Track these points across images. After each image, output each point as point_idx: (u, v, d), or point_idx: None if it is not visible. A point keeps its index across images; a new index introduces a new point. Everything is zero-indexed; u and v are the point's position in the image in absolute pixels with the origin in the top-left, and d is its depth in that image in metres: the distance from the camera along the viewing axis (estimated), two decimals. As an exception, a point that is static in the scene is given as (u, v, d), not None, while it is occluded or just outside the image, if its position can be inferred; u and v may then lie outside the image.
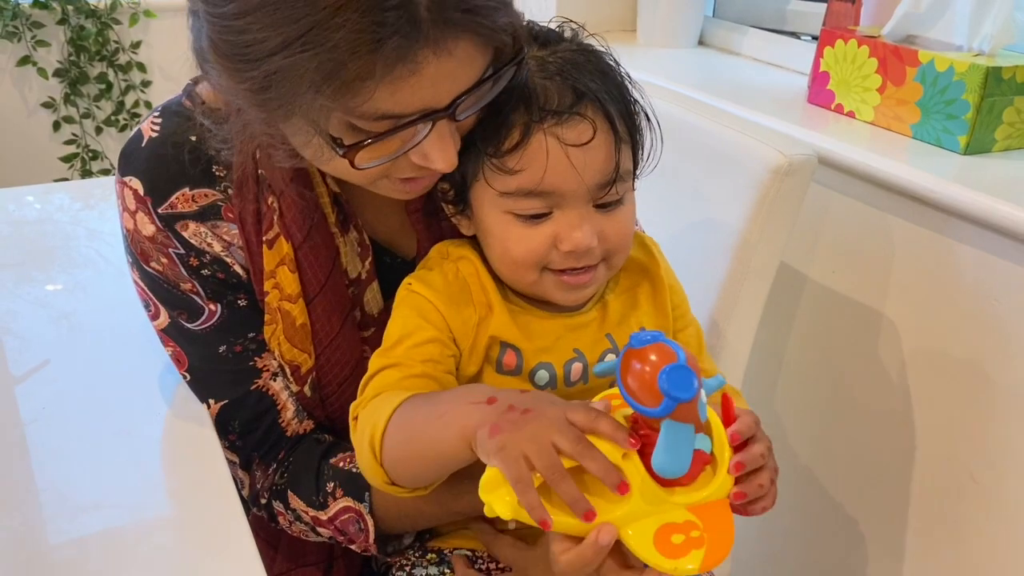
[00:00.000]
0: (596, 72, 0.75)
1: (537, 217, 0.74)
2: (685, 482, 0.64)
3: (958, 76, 1.10)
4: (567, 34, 0.79)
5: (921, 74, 1.14)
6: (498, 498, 0.61)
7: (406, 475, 0.72)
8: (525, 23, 0.76)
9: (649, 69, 1.55)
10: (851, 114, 1.26)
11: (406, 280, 0.81)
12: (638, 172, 0.80)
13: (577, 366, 0.79)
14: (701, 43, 1.78)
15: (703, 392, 0.60)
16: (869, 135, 1.21)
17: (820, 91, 1.31)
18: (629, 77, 0.79)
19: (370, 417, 0.71)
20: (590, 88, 0.72)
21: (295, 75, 0.60)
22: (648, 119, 0.79)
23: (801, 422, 1.37)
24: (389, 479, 0.71)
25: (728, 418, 0.67)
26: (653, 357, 0.59)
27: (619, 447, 0.61)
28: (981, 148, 1.12)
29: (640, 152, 0.79)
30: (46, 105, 2.51)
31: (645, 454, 0.62)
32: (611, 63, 0.78)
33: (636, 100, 0.78)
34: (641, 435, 0.62)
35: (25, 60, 2.43)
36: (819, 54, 1.30)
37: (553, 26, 0.80)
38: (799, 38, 1.68)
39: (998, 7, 1.12)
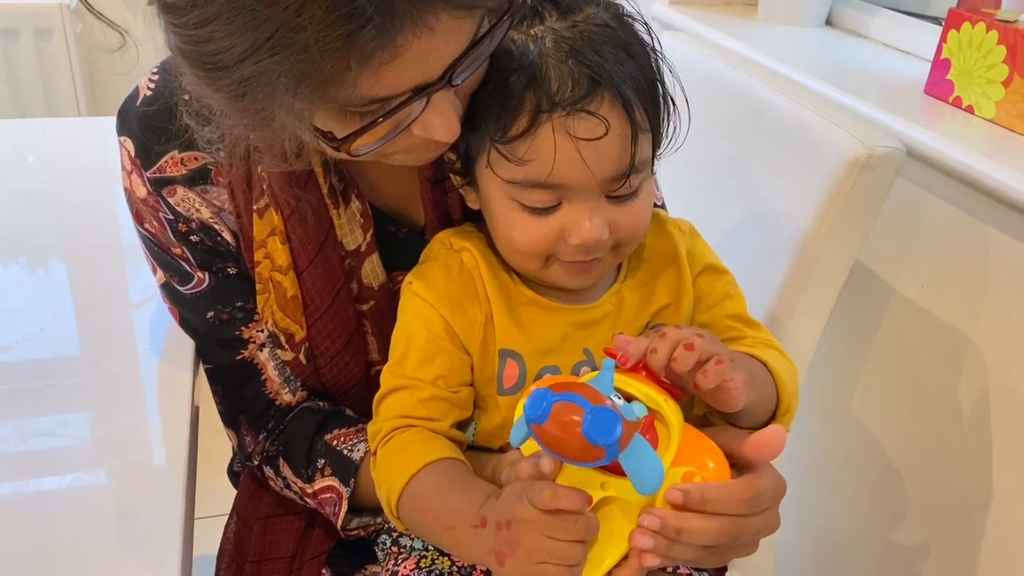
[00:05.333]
0: (617, 49, 0.67)
1: (545, 209, 0.68)
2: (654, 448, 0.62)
3: (1097, 72, 0.93)
4: None
5: (1054, 67, 0.98)
6: None
7: (423, 538, 0.78)
8: None
9: (764, 48, 1.43)
10: (969, 109, 1.10)
11: (407, 278, 0.77)
12: (659, 154, 0.72)
13: (586, 370, 0.72)
14: (828, 23, 1.62)
15: (607, 373, 0.60)
16: (986, 134, 1.05)
17: (939, 81, 1.15)
18: (659, 50, 0.71)
19: (387, 474, 0.72)
20: (607, 73, 0.65)
21: (268, 80, 0.55)
22: (673, 103, 0.71)
23: (866, 450, 1.23)
24: (407, 528, 0.73)
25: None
26: (564, 420, 0.54)
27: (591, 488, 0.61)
28: (1117, 160, 0.95)
29: (663, 134, 0.71)
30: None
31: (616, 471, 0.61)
32: (638, 34, 0.70)
33: (662, 80, 0.70)
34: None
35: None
36: (942, 39, 1.14)
37: None
38: (941, 24, 1.50)
39: None
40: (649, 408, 0.62)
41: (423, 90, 0.59)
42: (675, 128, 0.71)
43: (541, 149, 0.65)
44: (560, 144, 0.65)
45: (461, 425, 0.76)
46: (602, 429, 0.53)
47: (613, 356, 0.66)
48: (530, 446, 0.64)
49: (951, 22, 1.13)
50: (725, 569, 1.05)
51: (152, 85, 0.78)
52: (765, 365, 0.72)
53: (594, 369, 0.73)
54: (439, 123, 0.63)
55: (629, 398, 0.63)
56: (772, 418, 0.74)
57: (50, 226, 1.16)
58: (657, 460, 0.57)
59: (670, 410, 0.62)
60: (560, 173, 0.66)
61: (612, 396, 0.58)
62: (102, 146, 1.35)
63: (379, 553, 0.85)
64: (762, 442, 0.64)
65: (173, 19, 0.57)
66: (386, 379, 0.75)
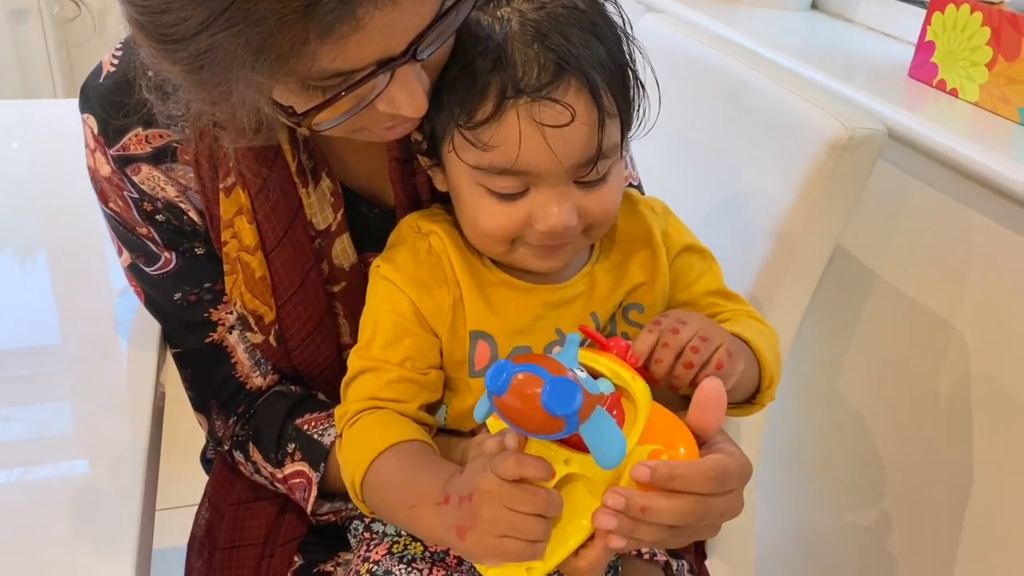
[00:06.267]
0: (585, 32, 0.65)
1: (512, 195, 0.67)
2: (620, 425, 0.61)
3: (1081, 53, 0.92)
4: None
5: (1039, 49, 0.97)
6: None
7: (386, 520, 0.77)
8: None
9: (749, 31, 1.41)
10: (953, 92, 1.09)
11: (375, 262, 0.76)
12: (630, 136, 0.71)
13: (558, 350, 0.71)
14: (814, 7, 1.61)
15: (572, 348, 0.58)
16: (970, 117, 1.04)
17: (923, 64, 1.14)
18: (629, 32, 0.69)
19: (350, 456, 0.71)
20: (573, 57, 0.64)
21: (225, 53, 0.53)
22: (642, 86, 0.70)
23: (846, 435, 1.23)
24: (371, 511, 0.73)
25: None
26: (524, 392, 0.54)
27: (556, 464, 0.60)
28: (1101, 143, 0.94)
29: (633, 115, 0.70)
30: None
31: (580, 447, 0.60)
32: (608, 15, 0.68)
33: (633, 62, 0.69)
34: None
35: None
36: (927, 21, 1.13)
37: None
38: (926, 6, 1.49)
39: None
40: (616, 385, 0.61)
41: (387, 64, 0.58)
42: (645, 111, 0.70)
43: (507, 136, 0.64)
44: (525, 131, 0.63)
45: (430, 408, 0.75)
46: (561, 399, 0.52)
47: (587, 333, 0.65)
48: (495, 424, 0.63)
49: (935, 4, 1.11)
50: (705, 556, 1.05)
51: (115, 61, 0.76)
52: (747, 343, 0.72)
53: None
54: (404, 98, 0.61)
55: (596, 375, 0.62)
56: (756, 392, 0.74)
57: (31, 210, 1.15)
58: (619, 433, 0.57)
59: (637, 388, 0.61)
60: (526, 160, 0.64)
61: (575, 369, 0.57)
62: (80, 128, 1.33)
63: (351, 540, 0.84)
64: (703, 401, 0.63)
65: None
66: (354, 362, 0.74)
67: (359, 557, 0.79)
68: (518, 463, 0.57)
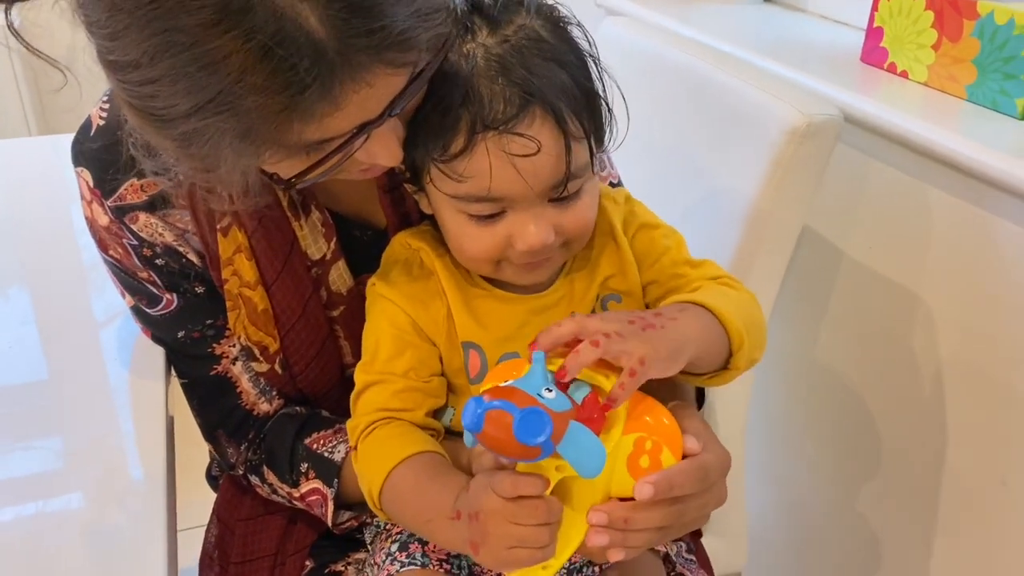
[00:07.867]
0: (548, 62, 0.68)
1: (490, 217, 0.71)
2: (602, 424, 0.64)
3: (1019, 30, 0.96)
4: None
5: (979, 28, 1.01)
6: None
7: (403, 527, 0.80)
8: None
9: (705, 26, 1.45)
10: (904, 74, 1.14)
11: (371, 280, 0.80)
12: (603, 149, 0.74)
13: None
14: (767, -1, 1.65)
15: (538, 367, 0.61)
16: (920, 97, 1.09)
17: (873, 49, 1.19)
18: (595, 53, 0.72)
19: (366, 469, 0.75)
20: (537, 88, 0.66)
21: (213, 135, 0.57)
22: (609, 108, 0.73)
23: (827, 409, 1.27)
24: (389, 519, 0.76)
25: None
26: (501, 424, 0.57)
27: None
28: (1043, 113, 0.99)
29: (602, 133, 0.73)
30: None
31: None
32: (572, 40, 0.71)
33: (602, 82, 0.72)
34: None
35: None
36: (874, 7, 1.18)
37: None
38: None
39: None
40: (591, 385, 0.64)
41: (365, 127, 0.61)
42: (615, 129, 0.73)
43: (479, 167, 0.67)
44: (495, 162, 0.66)
45: (436, 412, 0.78)
46: (531, 430, 0.55)
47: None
48: None
49: (881, -9, 1.16)
50: (700, 534, 1.08)
51: (104, 115, 0.78)
52: (707, 307, 0.71)
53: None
54: (380, 150, 0.65)
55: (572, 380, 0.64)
56: (729, 356, 0.73)
57: (9, 249, 1.16)
58: (596, 443, 0.59)
59: (611, 384, 0.63)
60: (499, 188, 0.68)
61: (543, 389, 0.60)
62: (57, 165, 1.34)
63: (367, 537, 0.88)
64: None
65: (119, 75, 0.58)
66: (359, 376, 0.78)
67: (384, 538, 0.83)
68: (514, 484, 0.61)
